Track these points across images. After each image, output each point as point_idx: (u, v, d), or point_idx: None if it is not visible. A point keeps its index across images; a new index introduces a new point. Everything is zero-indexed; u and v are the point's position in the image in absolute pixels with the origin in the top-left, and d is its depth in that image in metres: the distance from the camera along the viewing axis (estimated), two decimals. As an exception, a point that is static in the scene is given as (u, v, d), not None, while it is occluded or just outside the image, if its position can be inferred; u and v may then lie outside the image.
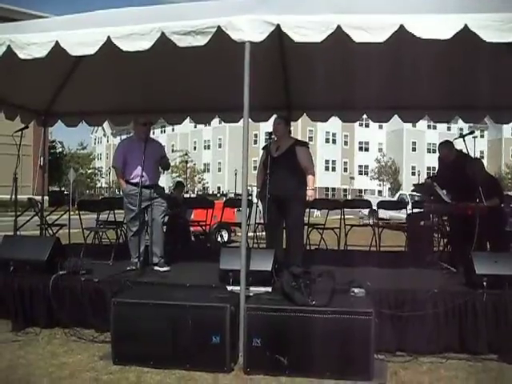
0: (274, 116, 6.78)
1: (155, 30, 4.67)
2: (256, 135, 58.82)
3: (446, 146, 7.13)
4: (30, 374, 4.33)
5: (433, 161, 8.93)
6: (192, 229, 11.29)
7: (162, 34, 4.64)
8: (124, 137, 7.76)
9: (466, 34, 4.20)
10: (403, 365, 4.59)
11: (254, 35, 4.52)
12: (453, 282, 5.39)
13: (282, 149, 6.32)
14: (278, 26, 4.49)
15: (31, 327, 5.48)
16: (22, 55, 4.95)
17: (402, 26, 4.28)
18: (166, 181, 52.60)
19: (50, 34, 4.91)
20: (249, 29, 4.51)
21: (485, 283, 4.88)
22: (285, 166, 6.15)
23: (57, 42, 4.81)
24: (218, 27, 4.55)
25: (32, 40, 4.90)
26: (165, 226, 7.14)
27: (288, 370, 4.32)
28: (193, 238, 11.44)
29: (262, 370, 4.36)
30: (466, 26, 4.19)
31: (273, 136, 6.38)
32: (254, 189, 6.63)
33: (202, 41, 4.65)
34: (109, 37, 4.73)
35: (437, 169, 7.69)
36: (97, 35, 4.80)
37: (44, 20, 6.33)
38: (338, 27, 4.37)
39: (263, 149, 6.58)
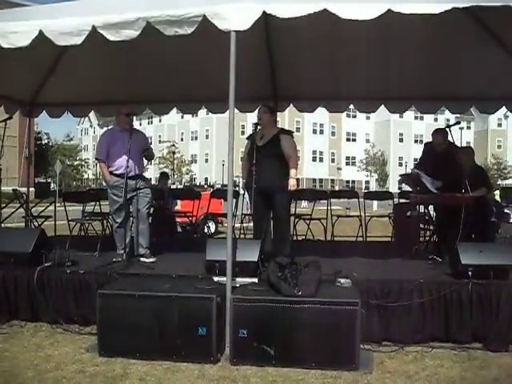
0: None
1: (141, 19, 4.60)
2: (243, 126, 58.65)
3: (441, 132, 7.01)
4: (15, 366, 4.29)
5: (420, 152, 8.94)
6: (179, 220, 11.26)
7: (148, 23, 4.59)
8: (110, 127, 7.69)
9: (453, 23, 4.19)
10: (389, 354, 4.61)
11: (239, 24, 4.48)
12: (438, 272, 5.42)
13: (267, 137, 6.29)
14: (264, 13, 4.44)
15: (16, 319, 5.44)
16: (4, 44, 4.86)
17: (389, 11, 4.23)
18: (153, 172, 52.41)
19: (34, 23, 4.81)
20: (234, 18, 4.47)
21: (470, 273, 4.91)
22: (269, 155, 6.14)
23: (40, 31, 4.73)
24: (204, 16, 4.50)
25: (14, 29, 4.82)
26: (150, 217, 7.11)
27: (274, 360, 4.32)
28: (180, 229, 11.41)
29: (249, 360, 4.37)
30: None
31: (259, 127, 6.35)
32: (242, 179, 6.60)
33: (188, 30, 4.59)
34: (93, 26, 4.66)
35: (420, 157, 7.60)
36: (81, 25, 4.72)
37: (27, 8, 6.24)
38: (325, 10, 4.31)
39: (247, 138, 6.56)
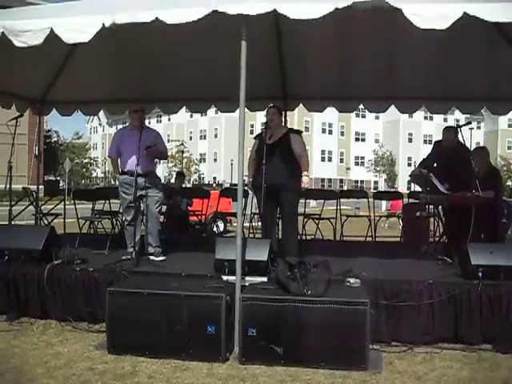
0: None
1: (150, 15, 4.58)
2: (252, 125, 58.64)
3: (452, 130, 6.95)
4: (25, 363, 4.31)
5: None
6: (188, 218, 11.28)
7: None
8: (120, 126, 7.76)
9: (464, 24, 4.16)
10: (398, 355, 4.60)
11: (249, 9, 4.41)
12: (448, 273, 5.39)
13: (276, 136, 6.31)
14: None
15: (26, 317, 5.47)
16: (17, 43, 4.87)
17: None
18: (161, 171, 52.50)
19: (45, 21, 4.83)
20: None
21: (480, 274, 4.88)
22: (278, 154, 6.14)
23: (51, 29, 4.74)
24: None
25: (26, 27, 4.82)
26: (162, 216, 7.10)
27: (283, 359, 4.32)
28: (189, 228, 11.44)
29: (258, 359, 4.37)
30: (465, 13, 4.13)
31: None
32: (248, 178, 6.60)
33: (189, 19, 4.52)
34: (103, 24, 4.66)
35: (427, 154, 7.50)
36: (91, 22, 4.73)
37: (38, 7, 6.26)
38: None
39: (255, 138, 6.57)
